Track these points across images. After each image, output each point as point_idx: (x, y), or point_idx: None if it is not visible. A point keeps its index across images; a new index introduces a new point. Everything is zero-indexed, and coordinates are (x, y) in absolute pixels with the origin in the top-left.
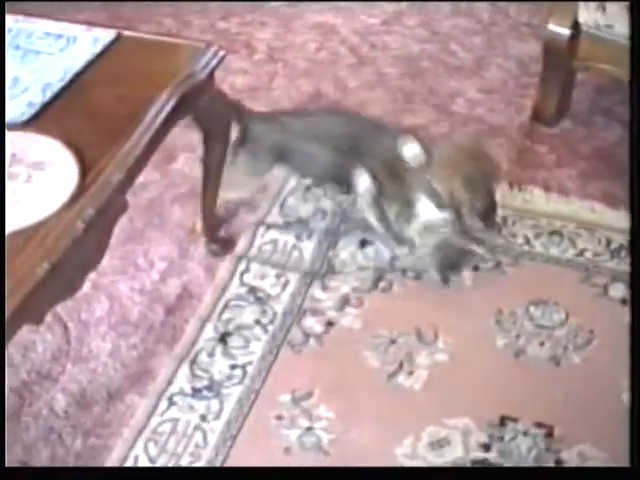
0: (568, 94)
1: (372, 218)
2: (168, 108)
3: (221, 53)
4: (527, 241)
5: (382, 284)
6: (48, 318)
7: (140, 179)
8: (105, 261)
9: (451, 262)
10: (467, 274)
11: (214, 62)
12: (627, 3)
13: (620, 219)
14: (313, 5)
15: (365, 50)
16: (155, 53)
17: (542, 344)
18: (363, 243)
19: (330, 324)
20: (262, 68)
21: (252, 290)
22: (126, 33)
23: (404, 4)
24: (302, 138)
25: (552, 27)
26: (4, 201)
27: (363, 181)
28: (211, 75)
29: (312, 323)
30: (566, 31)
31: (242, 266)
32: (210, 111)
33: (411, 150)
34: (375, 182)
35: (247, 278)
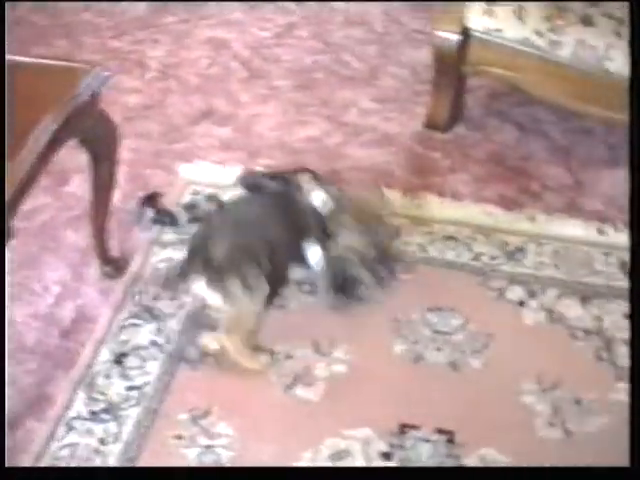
0: (461, 99)
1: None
2: (51, 130)
3: (105, 74)
4: (422, 248)
5: (278, 300)
6: None
7: (32, 203)
8: None
9: (340, 284)
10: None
11: (97, 83)
12: (514, 7)
13: (515, 221)
14: (205, 21)
15: (257, 63)
16: (40, 77)
17: (439, 349)
18: None
19: None
20: (155, 86)
21: (147, 309)
22: (10, 57)
23: (296, 16)
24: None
25: (441, 33)
26: (4, 205)
27: (314, 253)
28: (94, 97)
29: (209, 340)
30: (455, 37)
31: (137, 287)
32: (95, 133)
33: (319, 198)
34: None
35: (142, 299)
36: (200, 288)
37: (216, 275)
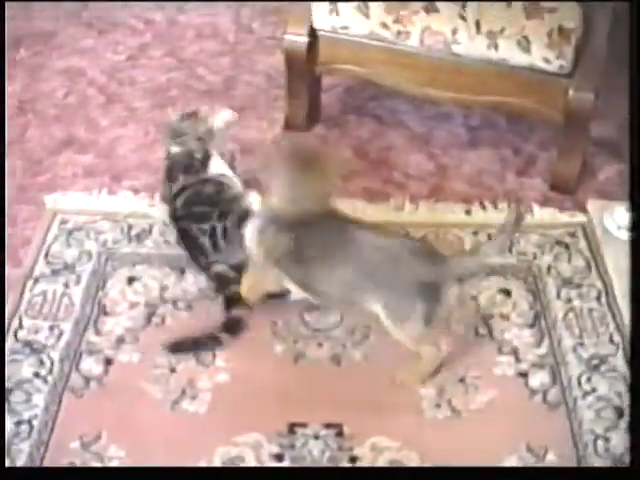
0: (317, 99)
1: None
2: None
3: None
4: None
5: (155, 319)
6: None
7: None
8: None
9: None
10: None
11: None
12: (357, 3)
13: (383, 213)
14: (57, 51)
15: (113, 88)
16: None
17: (320, 345)
18: (130, 280)
19: (109, 362)
20: (14, 122)
21: (27, 344)
22: None
23: (147, 36)
24: None
25: (289, 36)
26: (4, 198)
27: None
28: None
29: (90, 364)
30: (303, 38)
31: (15, 323)
32: None
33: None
34: None
35: (21, 334)
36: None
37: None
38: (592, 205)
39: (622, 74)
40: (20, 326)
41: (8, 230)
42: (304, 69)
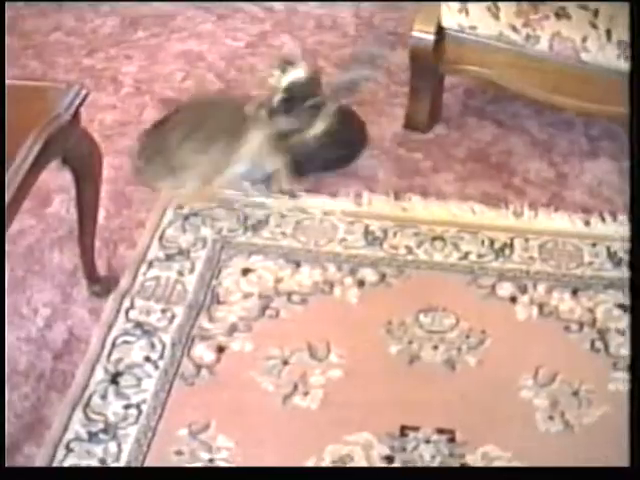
0: (439, 99)
1: None
2: (34, 152)
3: (83, 92)
4: (409, 250)
5: (269, 312)
6: None
7: (17, 226)
8: None
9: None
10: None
11: (77, 102)
12: (488, 4)
13: (501, 218)
14: (176, 34)
15: (232, 74)
16: (17, 98)
17: (436, 348)
18: (245, 270)
19: (221, 350)
20: (131, 102)
21: (139, 325)
22: None
23: (267, 24)
24: None
25: (416, 34)
26: (4, 205)
27: None
28: (75, 115)
29: (202, 351)
30: (430, 36)
31: (126, 303)
32: (78, 152)
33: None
34: None
35: (132, 314)
36: None
37: None
38: None
39: None
40: (132, 306)
41: (123, 212)
42: (429, 67)
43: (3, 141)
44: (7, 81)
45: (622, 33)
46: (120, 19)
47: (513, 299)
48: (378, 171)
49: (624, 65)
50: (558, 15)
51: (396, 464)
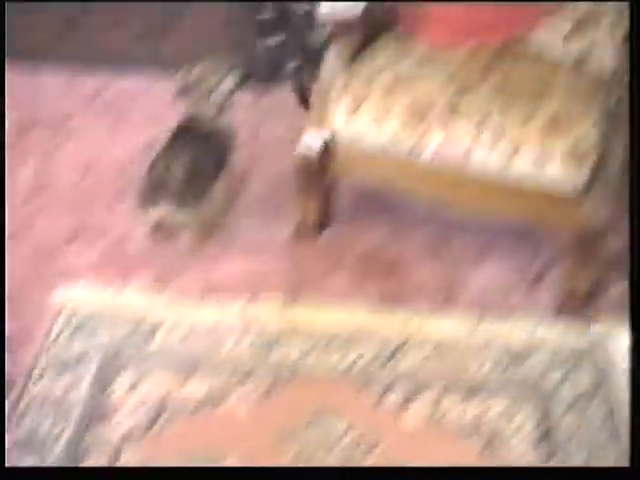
0: (330, 201)
1: None
2: None
3: None
4: (301, 356)
5: (160, 422)
6: None
7: None
8: None
9: None
10: None
11: None
12: (377, 111)
13: (393, 321)
14: (72, 137)
15: (127, 177)
16: None
17: (327, 454)
18: (136, 381)
19: (112, 461)
20: (24, 208)
21: (28, 439)
22: None
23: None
24: None
25: (306, 139)
26: (4, 202)
27: None
28: None
29: (93, 462)
30: (320, 142)
31: (14, 418)
32: None
33: None
34: None
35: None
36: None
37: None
38: (601, 324)
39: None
40: (22, 419)
41: (13, 323)
42: (318, 173)
43: (3, 140)
44: None
45: (508, 139)
46: (14, 123)
47: (403, 404)
48: (271, 275)
49: (511, 171)
50: (445, 122)
51: None
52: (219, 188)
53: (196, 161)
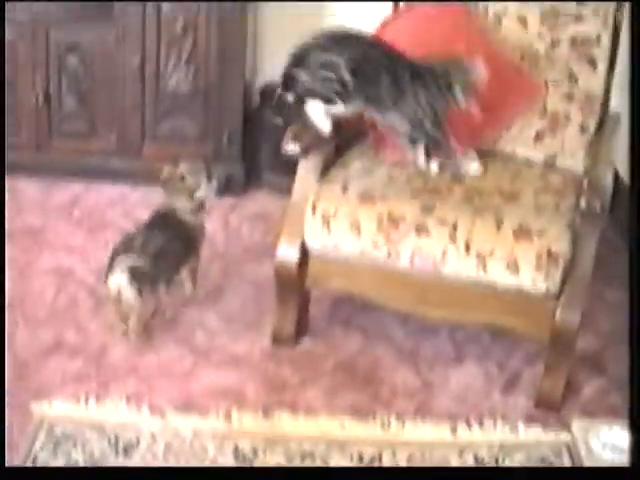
0: (305, 312)
1: None
2: None
3: None
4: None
5: None
6: None
7: None
8: None
9: None
10: None
11: None
12: (350, 222)
13: (369, 431)
14: (47, 248)
15: (103, 290)
16: None
17: None
18: None
19: None
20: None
21: None
22: None
23: None
24: None
25: (281, 251)
26: (4, 203)
27: None
28: None
29: None
30: (295, 254)
31: None
32: None
33: None
34: None
35: None
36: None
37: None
38: (577, 424)
39: (604, 287)
40: None
41: None
42: (294, 283)
43: (3, 140)
44: None
45: (480, 246)
46: None
47: None
48: (247, 387)
49: (484, 276)
50: (418, 231)
51: None
52: (178, 281)
53: (162, 248)
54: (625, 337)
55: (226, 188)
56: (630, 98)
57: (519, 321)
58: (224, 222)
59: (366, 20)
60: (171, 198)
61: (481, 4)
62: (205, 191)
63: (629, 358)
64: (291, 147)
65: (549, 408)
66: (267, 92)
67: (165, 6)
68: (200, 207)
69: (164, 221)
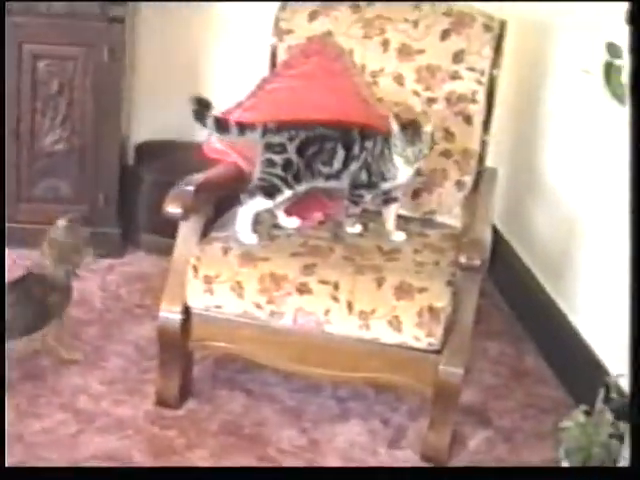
0: (189, 373)
1: None
2: None
3: None
4: None
5: None
6: None
7: None
8: None
9: None
10: None
11: None
12: (232, 284)
13: None
14: None
15: None
16: None
17: None
18: None
19: None
20: None
21: None
22: None
23: None
24: None
25: (163, 313)
26: (4, 200)
27: None
28: None
29: None
30: (177, 316)
31: None
32: None
33: None
34: None
35: None
36: None
37: None
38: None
39: (485, 340)
40: None
41: None
42: (177, 346)
43: (3, 139)
44: None
45: (362, 304)
46: None
47: None
48: (133, 452)
49: (367, 334)
50: (300, 291)
51: None
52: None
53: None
54: (508, 390)
55: (103, 249)
56: (632, 99)
57: (403, 376)
58: (102, 283)
59: (241, 82)
60: (43, 260)
61: (359, 64)
62: (81, 253)
63: (629, 358)
64: (172, 209)
65: (436, 461)
66: (143, 149)
67: (41, 66)
68: (74, 269)
69: (24, 285)
